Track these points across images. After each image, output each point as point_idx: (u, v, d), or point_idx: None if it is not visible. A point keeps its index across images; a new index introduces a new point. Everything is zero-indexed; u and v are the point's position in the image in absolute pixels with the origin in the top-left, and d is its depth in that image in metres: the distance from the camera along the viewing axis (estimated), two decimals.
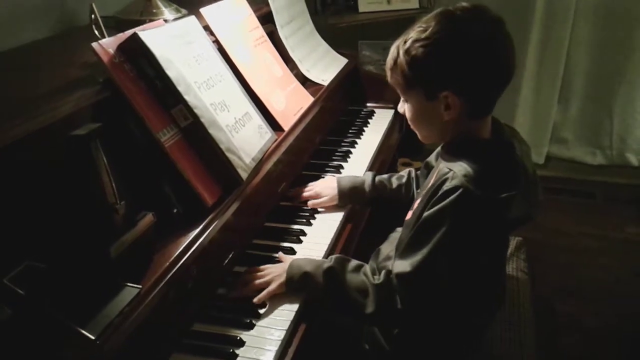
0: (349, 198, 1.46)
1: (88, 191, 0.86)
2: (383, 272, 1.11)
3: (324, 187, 1.48)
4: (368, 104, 2.13)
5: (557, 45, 2.88)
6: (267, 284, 1.14)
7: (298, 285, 1.13)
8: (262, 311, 1.10)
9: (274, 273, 1.16)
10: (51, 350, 0.77)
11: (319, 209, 1.45)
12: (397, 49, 1.09)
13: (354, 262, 1.16)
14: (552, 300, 2.14)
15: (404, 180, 1.47)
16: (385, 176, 1.50)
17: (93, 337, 0.78)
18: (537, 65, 2.97)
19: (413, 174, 1.46)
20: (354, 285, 1.11)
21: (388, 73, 1.14)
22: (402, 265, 1.06)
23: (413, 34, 1.05)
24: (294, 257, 1.24)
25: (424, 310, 1.09)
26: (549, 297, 2.13)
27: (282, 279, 1.14)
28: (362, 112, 2.07)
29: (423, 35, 1.03)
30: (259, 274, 1.17)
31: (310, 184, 1.52)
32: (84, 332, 0.78)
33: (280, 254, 1.26)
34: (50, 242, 0.85)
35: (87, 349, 0.78)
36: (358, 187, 1.47)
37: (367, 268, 1.14)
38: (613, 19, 2.78)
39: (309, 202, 1.46)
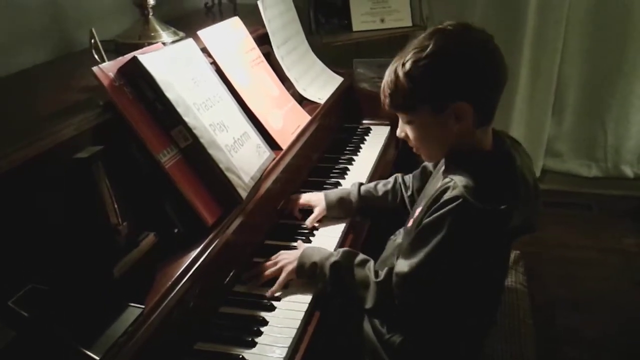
0: (337, 209, 1.50)
1: (91, 213, 0.88)
2: (386, 269, 1.16)
3: (314, 199, 1.51)
4: (364, 121, 2.16)
5: (549, 59, 2.92)
6: (280, 271, 1.22)
7: (307, 273, 1.22)
8: (263, 329, 1.11)
9: (286, 260, 1.25)
10: None
11: (316, 225, 1.47)
12: (394, 74, 1.12)
13: (360, 257, 1.22)
14: (552, 312, 2.14)
15: (389, 186, 1.51)
16: (371, 184, 1.54)
17: (98, 358, 0.78)
18: (530, 80, 3.01)
19: (400, 179, 1.50)
20: (358, 279, 1.18)
21: (387, 99, 1.16)
22: (401, 265, 1.11)
23: (410, 55, 1.09)
24: (307, 245, 1.33)
25: (418, 310, 1.14)
26: (548, 309, 2.14)
27: (294, 265, 1.23)
28: (359, 129, 2.09)
29: (423, 54, 1.07)
30: (272, 262, 1.25)
31: (299, 195, 1.55)
32: (88, 352, 0.78)
33: (298, 242, 1.36)
34: (54, 263, 0.86)
35: None
36: (345, 198, 1.51)
37: (372, 264, 1.20)
38: (604, 32, 2.83)
39: (307, 221, 1.48)
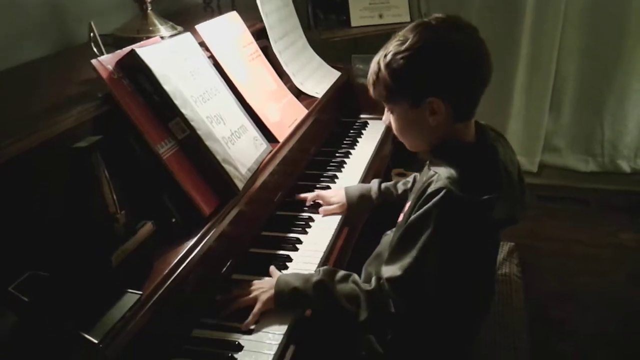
0: (357, 206, 1.51)
1: (89, 201, 0.90)
2: (373, 278, 1.14)
3: (334, 195, 1.53)
4: (361, 116, 2.18)
5: (546, 54, 2.93)
6: (254, 300, 1.15)
7: (288, 300, 1.14)
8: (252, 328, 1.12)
9: (261, 289, 1.16)
10: (56, 355, 0.79)
11: (314, 217, 1.49)
12: (377, 64, 1.13)
13: (341, 272, 1.18)
14: (547, 306, 2.16)
15: (409, 185, 1.52)
16: (391, 182, 1.56)
17: (96, 341, 0.80)
18: (528, 75, 3.02)
19: (418, 178, 1.50)
20: (345, 295, 1.13)
21: (370, 88, 1.18)
22: (391, 270, 1.09)
23: (392, 47, 1.10)
24: (280, 273, 1.25)
25: (417, 312, 1.12)
26: (543, 303, 2.15)
27: (270, 294, 1.15)
28: (356, 124, 2.11)
29: (403, 47, 1.08)
30: (245, 290, 1.17)
31: (318, 191, 1.57)
32: (87, 336, 0.80)
33: (271, 269, 1.26)
34: (53, 251, 0.88)
35: (91, 353, 0.80)
36: (365, 195, 1.52)
37: (355, 277, 1.17)
38: (601, 26, 2.83)
39: (320, 209, 1.50)
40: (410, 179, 1.53)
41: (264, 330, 1.10)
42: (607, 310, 2.17)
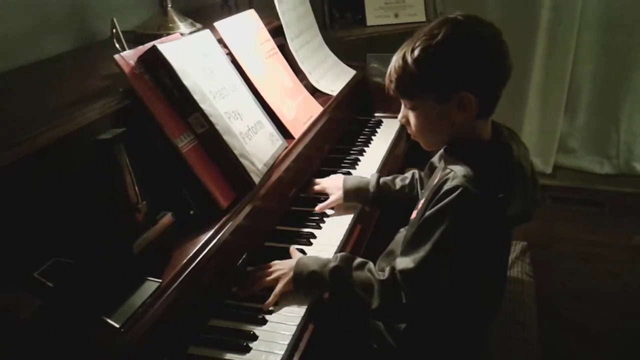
0: (354, 197, 1.53)
1: (112, 191, 0.93)
2: (388, 268, 1.16)
3: (331, 186, 1.56)
4: (376, 114, 2.20)
5: (562, 55, 2.93)
6: (275, 281, 1.19)
7: (305, 283, 1.19)
8: (272, 309, 1.15)
9: (281, 270, 1.21)
10: (79, 339, 0.82)
11: (328, 212, 1.51)
12: (402, 60, 1.14)
13: (358, 260, 1.21)
14: (559, 305, 2.16)
15: (407, 181, 1.53)
16: (389, 178, 1.57)
17: (118, 326, 0.83)
18: (544, 76, 3.02)
19: (417, 175, 1.52)
20: (359, 282, 1.16)
21: (392, 85, 1.19)
22: (405, 262, 1.11)
23: (420, 42, 1.11)
24: (301, 255, 1.30)
25: (428, 305, 1.14)
26: (555, 302, 2.16)
27: (289, 276, 1.19)
28: (371, 122, 2.13)
29: (433, 42, 1.09)
30: (267, 271, 1.22)
31: (318, 180, 1.60)
32: (109, 320, 0.83)
33: (291, 249, 1.32)
34: (77, 238, 0.91)
35: (112, 337, 0.83)
36: (362, 188, 1.54)
37: (371, 265, 1.19)
38: (618, 28, 2.83)
39: (317, 207, 1.52)
40: (408, 175, 1.55)
41: (278, 321, 1.12)
42: (620, 309, 2.17)
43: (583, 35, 2.89)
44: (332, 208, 1.53)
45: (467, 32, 1.10)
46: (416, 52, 1.10)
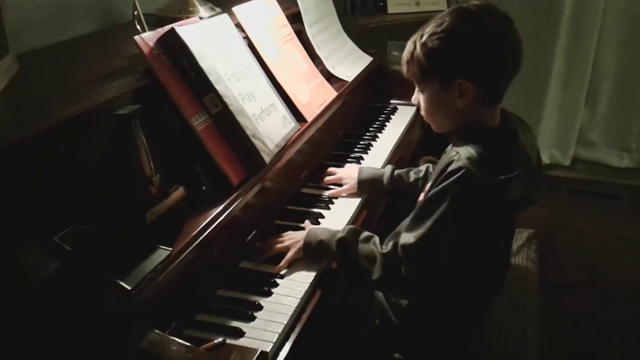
0: (368, 188, 1.57)
1: (128, 164, 0.99)
2: (391, 242, 1.22)
3: (346, 176, 1.60)
4: (392, 101, 2.22)
5: (584, 47, 2.91)
6: (287, 248, 1.27)
7: (314, 251, 1.27)
8: (280, 281, 1.21)
9: (293, 239, 1.29)
10: (93, 298, 0.89)
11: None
12: (413, 43, 1.19)
13: (365, 233, 1.27)
14: (566, 294, 2.18)
15: (421, 174, 1.57)
16: (404, 170, 1.61)
17: (129, 288, 0.90)
18: (565, 67, 3.00)
19: (431, 169, 1.55)
20: (363, 254, 1.23)
21: (404, 67, 1.24)
22: (406, 237, 1.17)
23: (429, 28, 1.16)
24: (313, 226, 1.37)
25: (425, 279, 1.19)
26: (561, 291, 2.18)
27: (300, 244, 1.27)
28: (386, 109, 2.16)
29: (440, 29, 1.13)
30: (280, 239, 1.30)
31: (333, 169, 1.64)
32: (121, 283, 0.90)
33: (306, 222, 1.40)
34: (95, 206, 0.97)
35: (124, 298, 0.90)
36: (377, 179, 1.58)
37: (376, 239, 1.26)
38: None
39: (328, 192, 1.56)
40: (422, 168, 1.58)
41: (283, 294, 1.17)
42: (630, 302, 2.17)
43: (606, 27, 2.87)
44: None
45: (473, 22, 1.13)
46: (424, 38, 1.15)
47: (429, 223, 1.13)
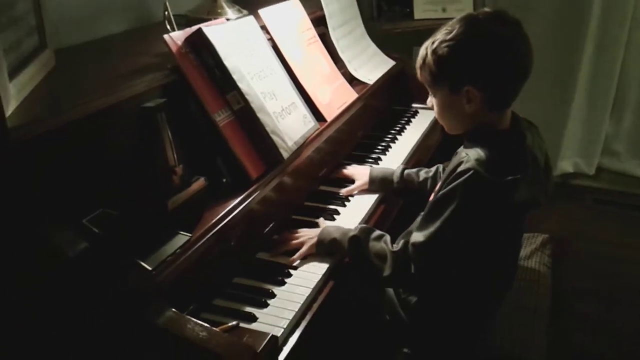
0: (379, 186, 1.63)
1: (153, 153, 1.05)
2: (402, 241, 1.25)
3: (358, 173, 1.65)
4: (413, 105, 2.26)
5: (611, 57, 2.89)
6: (301, 244, 1.32)
7: (327, 248, 1.31)
8: (293, 272, 1.26)
9: (307, 236, 1.34)
10: (117, 278, 0.95)
11: (354, 193, 1.60)
12: (425, 50, 1.23)
13: (377, 232, 1.32)
14: (578, 299, 2.17)
15: (430, 174, 1.61)
16: (414, 170, 1.65)
17: (150, 269, 0.96)
18: (591, 77, 2.98)
19: (441, 169, 1.59)
20: (375, 251, 1.27)
21: (418, 71, 1.28)
22: (416, 236, 1.20)
23: (440, 35, 1.20)
24: (327, 224, 1.42)
25: (433, 277, 1.23)
26: (574, 296, 2.17)
27: (314, 241, 1.32)
28: (407, 112, 2.20)
29: (449, 37, 1.17)
30: (295, 235, 1.36)
31: (348, 165, 1.71)
32: (143, 264, 0.96)
33: (320, 220, 1.44)
34: (121, 193, 1.04)
35: (145, 279, 0.96)
36: (387, 178, 1.63)
37: (388, 238, 1.29)
38: None
39: (342, 191, 1.62)
40: (433, 168, 1.62)
41: (295, 284, 1.23)
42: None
43: (633, 37, 2.85)
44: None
45: (481, 30, 1.16)
46: (434, 45, 1.19)
47: (438, 222, 1.16)
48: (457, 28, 1.17)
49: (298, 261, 1.30)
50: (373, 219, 1.55)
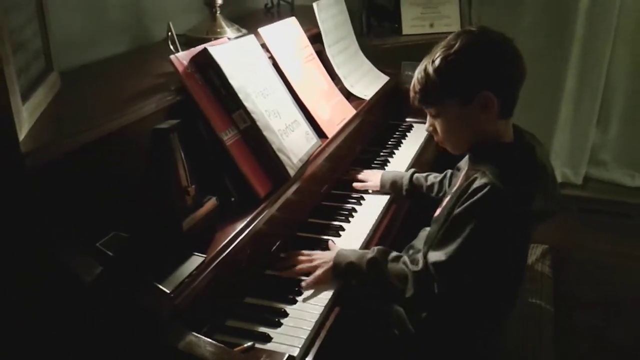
0: (389, 188, 1.68)
1: (166, 174, 1.05)
2: (421, 261, 1.24)
3: (371, 175, 1.73)
4: (407, 119, 2.29)
5: (596, 66, 2.95)
6: (314, 268, 1.29)
7: (344, 272, 1.28)
8: (303, 290, 1.25)
9: (321, 259, 1.31)
10: (133, 301, 0.94)
11: (356, 208, 1.62)
12: (424, 72, 1.25)
13: (394, 253, 1.31)
14: (578, 310, 2.19)
15: (438, 179, 1.64)
16: (423, 174, 1.69)
17: (168, 291, 0.95)
18: (577, 87, 3.04)
19: (449, 174, 1.61)
20: (394, 273, 1.26)
21: (417, 95, 1.29)
22: (437, 256, 1.20)
23: (439, 52, 1.22)
24: (340, 247, 1.39)
25: (457, 295, 1.23)
26: (573, 306, 2.19)
27: (329, 265, 1.28)
28: (402, 126, 2.22)
29: (452, 50, 1.20)
30: (307, 258, 1.32)
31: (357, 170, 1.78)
32: (161, 287, 0.95)
33: (330, 243, 1.41)
34: (134, 215, 1.03)
35: (163, 301, 0.95)
36: (397, 181, 1.68)
37: (406, 258, 1.29)
38: None
39: (355, 184, 1.69)
40: (442, 174, 1.65)
41: (308, 302, 1.23)
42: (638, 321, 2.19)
43: (618, 47, 2.92)
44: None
45: (481, 39, 1.22)
46: (437, 62, 1.21)
47: (459, 239, 1.16)
48: (460, 40, 1.21)
49: (312, 288, 1.26)
50: (377, 234, 1.55)
